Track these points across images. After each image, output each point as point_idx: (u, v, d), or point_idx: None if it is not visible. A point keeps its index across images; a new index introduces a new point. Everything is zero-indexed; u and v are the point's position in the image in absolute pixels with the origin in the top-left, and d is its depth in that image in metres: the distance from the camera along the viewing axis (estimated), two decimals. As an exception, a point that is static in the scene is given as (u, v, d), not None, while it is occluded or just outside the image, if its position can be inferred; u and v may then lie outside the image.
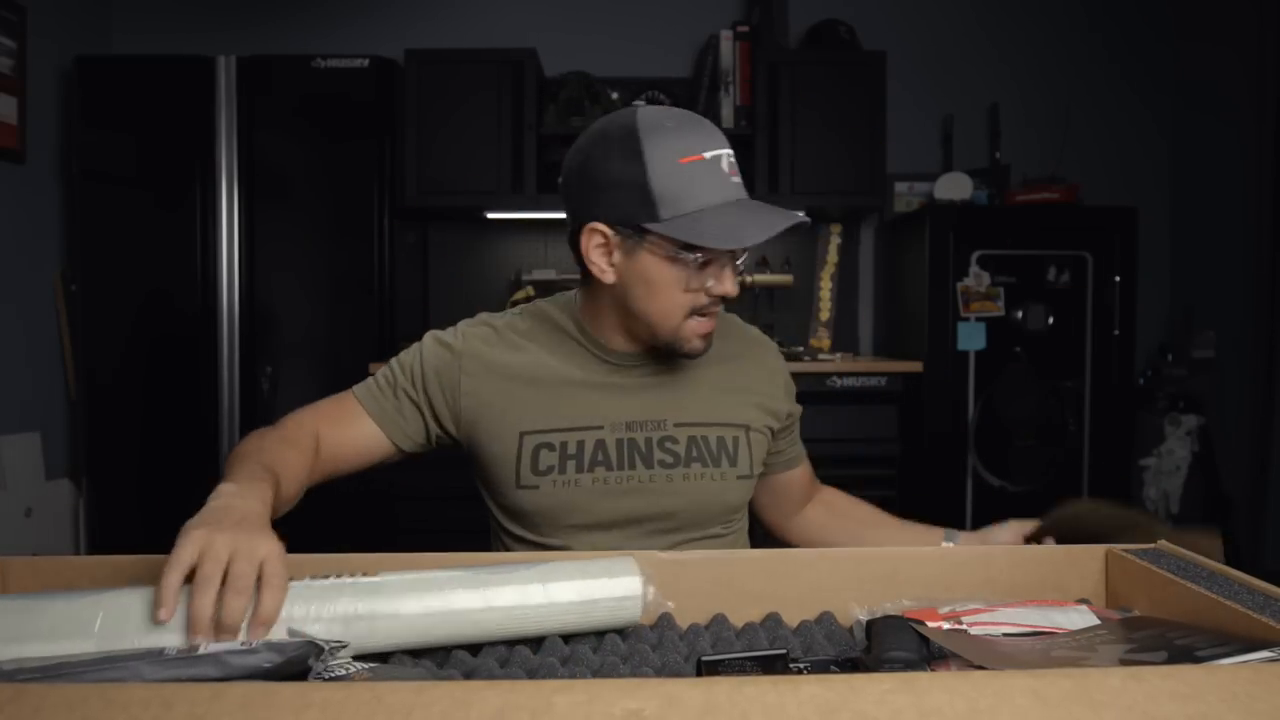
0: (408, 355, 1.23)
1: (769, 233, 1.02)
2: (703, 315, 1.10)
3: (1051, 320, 3.18)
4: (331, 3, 3.67)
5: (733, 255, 1.08)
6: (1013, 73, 3.70)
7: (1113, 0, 3.74)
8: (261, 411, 3.14)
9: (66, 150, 3.32)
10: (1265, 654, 0.68)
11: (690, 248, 1.04)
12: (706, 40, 3.54)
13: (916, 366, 3.21)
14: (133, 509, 3.16)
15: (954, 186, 3.35)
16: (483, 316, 1.26)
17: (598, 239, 1.10)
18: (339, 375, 3.17)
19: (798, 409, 1.32)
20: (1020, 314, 3.17)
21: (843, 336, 3.71)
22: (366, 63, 3.14)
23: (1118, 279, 3.18)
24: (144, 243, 3.15)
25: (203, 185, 3.12)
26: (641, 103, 0.93)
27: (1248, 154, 3.32)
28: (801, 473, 1.36)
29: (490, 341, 1.21)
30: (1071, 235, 3.21)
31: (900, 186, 3.63)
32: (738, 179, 1.06)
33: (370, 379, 1.24)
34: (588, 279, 1.17)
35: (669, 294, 1.09)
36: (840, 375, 3.18)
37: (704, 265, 1.07)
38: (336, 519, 3.10)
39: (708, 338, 1.13)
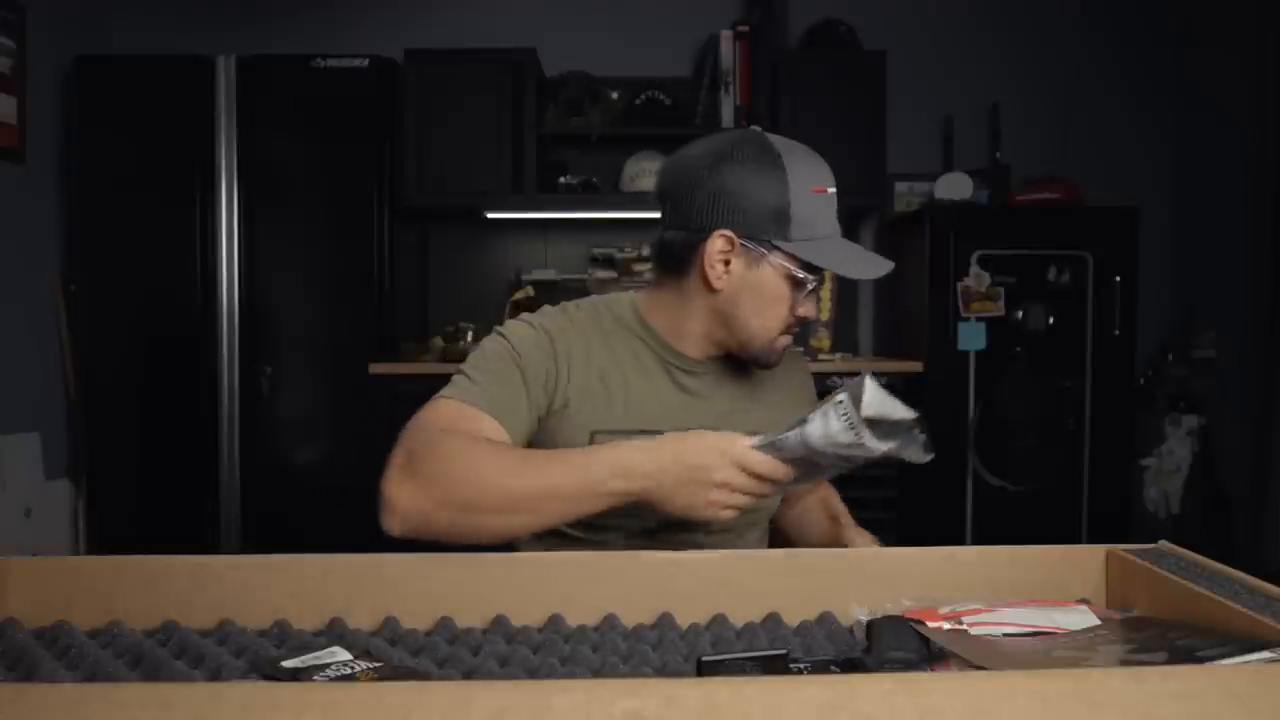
0: (496, 344, 1.16)
1: (879, 271, 1.15)
2: (788, 333, 1.19)
3: (1052, 320, 3.17)
4: (331, 3, 3.67)
5: (821, 283, 1.17)
6: (1012, 73, 3.70)
7: (1113, 0, 3.74)
8: (261, 411, 3.14)
9: (66, 150, 3.32)
10: (1266, 654, 0.68)
11: (811, 269, 1.13)
12: (706, 40, 3.54)
13: (917, 366, 3.21)
14: (132, 509, 3.16)
15: (954, 186, 3.35)
16: (553, 309, 1.24)
17: (722, 245, 1.13)
18: (339, 375, 3.19)
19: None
20: (1020, 314, 3.17)
21: (843, 336, 3.70)
22: (366, 63, 3.14)
23: (1118, 279, 3.18)
24: (144, 242, 3.15)
25: (203, 185, 3.12)
26: (756, 128, 1.00)
27: (1248, 154, 3.31)
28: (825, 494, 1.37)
29: (569, 334, 1.20)
30: (1072, 235, 3.21)
31: (900, 186, 3.63)
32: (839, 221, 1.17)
33: (460, 379, 1.13)
34: (670, 282, 1.20)
35: (776, 309, 1.16)
36: (840, 375, 3.18)
37: (800, 287, 1.15)
38: (337, 518, 3.10)
39: (784, 352, 1.22)
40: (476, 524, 1.01)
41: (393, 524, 1.02)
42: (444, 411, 1.09)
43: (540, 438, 1.17)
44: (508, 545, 1.23)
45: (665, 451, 0.97)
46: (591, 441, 1.15)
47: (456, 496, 1.00)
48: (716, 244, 1.13)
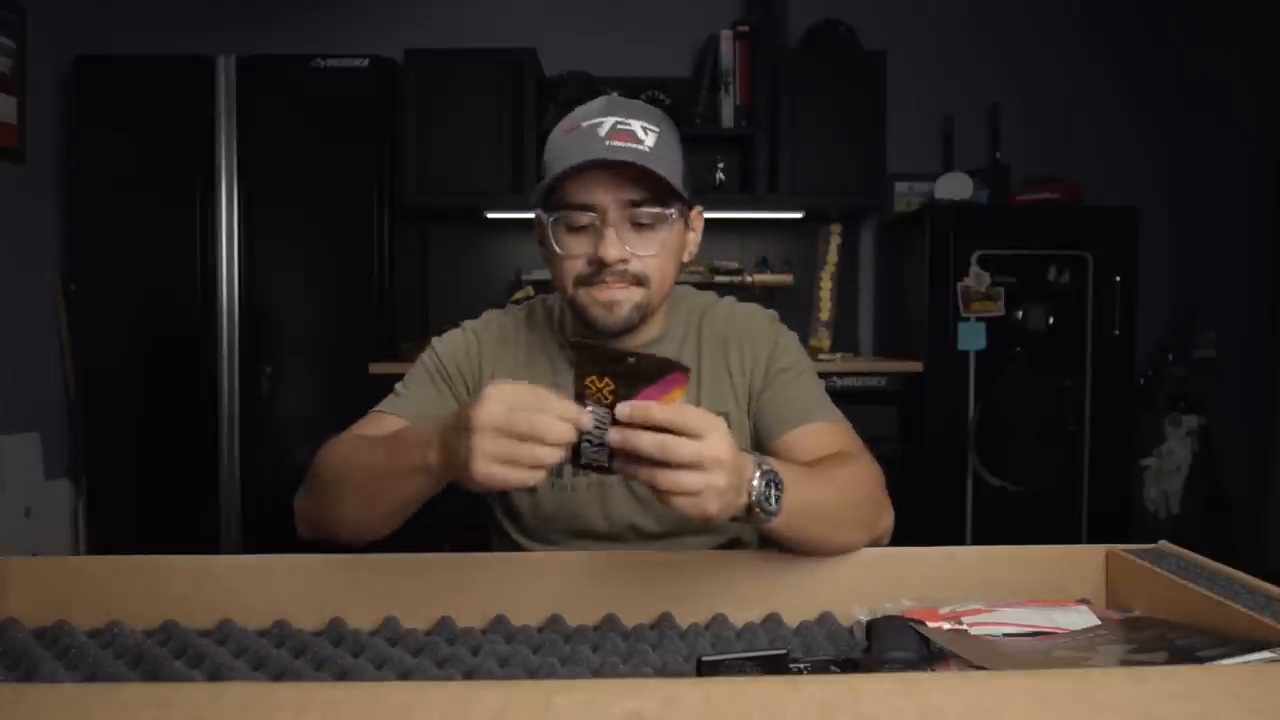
0: (425, 356, 1.20)
1: (585, 158, 1.00)
2: (590, 286, 1.06)
3: (1052, 320, 3.17)
4: (331, 2, 3.67)
5: (615, 218, 1.03)
6: (1012, 73, 3.70)
7: (1113, 0, 3.74)
8: (261, 411, 3.14)
9: (66, 150, 3.32)
10: (1266, 654, 0.68)
11: (553, 206, 1.05)
12: (706, 40, 3.54)
13: (917, 367, 3.21)
14: (132, 509, 3.16)
15: (954, 186, 3.35)
16: (490, 313, 1.25)
17: (535, 222, 1.11)
18: (339, 375, 3.18)
19: (790, 362, 1.17)
20: (1020, 314, 3.17)
21: (843, 336, 3.71)
22: (366, 63, 3.14)
23: (1118, 279, 3.18)
24: (144, 243, 3.15)
25: (203, 185, 3.12)
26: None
27: (1248, 154, 3.31)
28: (806, 434, 1.11)
29: (503, 335, 1.21)
30: (1072, 235, 3.21)
31: (900, 186, 3.63)
32: (622, 142, 1.02)
33: (391, 395, 1.17)
34: None
35: (554, 263, 1.08)
36: (840, 375, 3.18)
37: (576, 230, 1.05)
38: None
39: (612, 305, 1.06)
40: (336, 514, 0.99)
41: (299, 529, 1.06)
42: (365, 424, 1.12)
43: None
44: (503, 546, 1.23)
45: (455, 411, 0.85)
46: None
47: (318, 489, 1.02)
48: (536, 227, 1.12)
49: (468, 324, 1.23)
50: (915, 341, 3.30)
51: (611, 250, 1.03)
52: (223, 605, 0.90)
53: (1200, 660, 0.69)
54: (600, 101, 1.09)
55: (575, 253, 1.05)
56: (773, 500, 0.83)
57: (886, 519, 1.02)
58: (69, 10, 3.37)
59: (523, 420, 0.75)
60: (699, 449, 0.75)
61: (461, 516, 1.40)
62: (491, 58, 3.38)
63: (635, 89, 3.53)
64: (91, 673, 0.77)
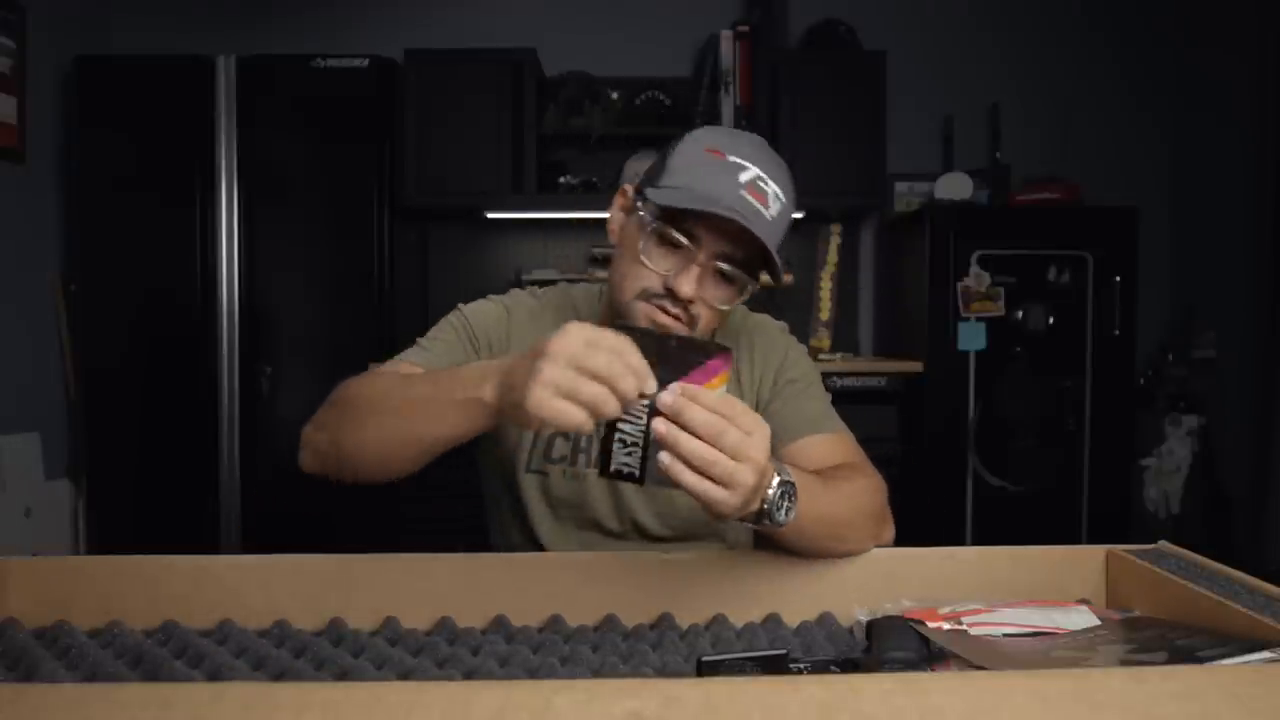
0: (453, 317, 1.18)
1: (727, 209, 0.97)
2: (650, 302, 1.04)
3: (1052, 320, 3.17)
4: (331, 3, 3.67)
5: (705, 259, 1.01)
6: (1012, 73, 3.70)
7: (1113, 0, 3.74)
8: (261, 411, 3.14)
9: (66, 150, 3.32)
10: (1266, 654, 0.68)
11: (661, 216, 1.02)
12: (706, 40, 3.54)
13: (917, 367, 3.21)
14: (132, 509, 3.16)
15: (954, 186, 3.35)
16: (517, 291, 1.25)
17: (621, 200, 1.12)
18: (339, 375, 3.14)
19: (799, 373, 1.19)
20: (1020, 314, 3.17)
21: (843, 336, 3.70)
22: (366, 63, 3.14)
23: (1118, 279, 3.18)
24: (144, 242, 3.15)
25: (203, 185, 3.12)
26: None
27: (1248, 154, 3.31)
28: (813, 445, 1.11)
29: (532, 314, 1.21)
30: (1072, 235, 3.21)
31: (900, 186, 3.63)
32: (752, 196, 1.00)
33: (414, 348, 1.13)
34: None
35: (626, 264, 1.06)
36: (840, 375, 3.18)
37: (664, 244, 1.03)
38: (340, 519, 3.11)
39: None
40: (357, 442, 0.93)
41: (302, 459, 1.02)
42: (385, 365, 1.09)
43: None
44: (503, 544, 1.23)
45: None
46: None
47: (342, 416, 0.97)
48: (618, 199, 1.12)
49: (496, 297, 1.22)
50: (915, 341, 3.30)
51: (686, 288, 1.01)
52: (223, 605, 0.90)
53: (1200, 660, 0.69)
54: (751, 141, 1.06)
55: (655, 267, 1.03)
56: (783, 511, 0.83)
57: (888, 533, 1.03)
58: (69, 10, 3.37)
59: (599, 358, 0.72)
60: (743, 440, 0.74)
61: (465, 516, 1.41)
62: (491, 58, 3.38)
63: (635, 89, 3.53)
64: (91, 673, 0.77)
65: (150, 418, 3.16)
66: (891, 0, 3.69)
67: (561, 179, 3.53)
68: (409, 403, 0.90)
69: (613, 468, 0.76)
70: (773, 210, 1.02)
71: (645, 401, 0.74)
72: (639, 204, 1.06)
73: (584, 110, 3.46)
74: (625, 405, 0.73)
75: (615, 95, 3.52)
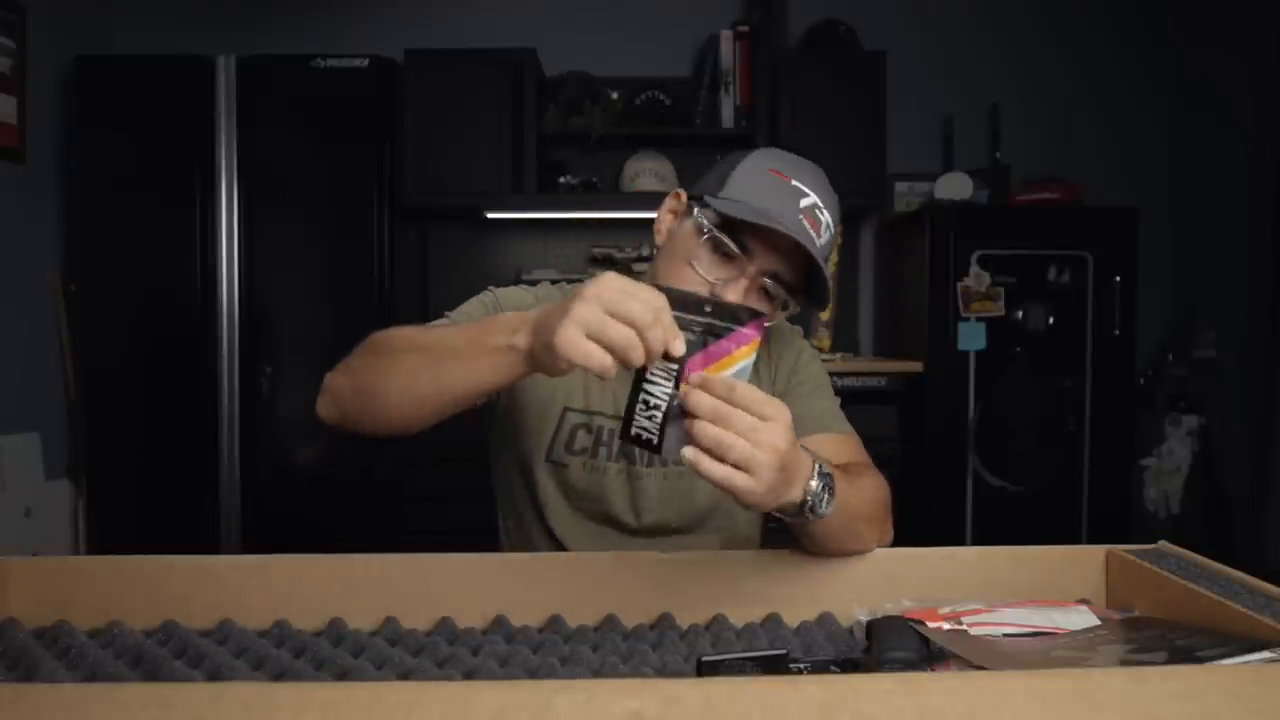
0: (484, 296, 1.18)
1: (785, 227, 0.99)
2: None
3: (1052, 320, 3.18)
4: (331, 3, 3.67)
5: (754, 273, 1.03)
6: (1013, 73, 3.70)
7: (1113, 0, 3.74)
8: (261, 411, 3.14)
9: (66, 150, 3.32)
10: (1266, 654, 0.68)
11: (720, 225, 1.03)
12: (706, 40, 3.54)
13: (917, 367, 3.21)
14: (132, 509, 3.16)
15: (954, 186, 3.35)
16: (547, 285, 1.25)
17: (672, 202, 1.15)
18: (339, 375, 3.19)
19: (810, 374, 1.22)
20: (1020, 314, 3.17)
21: (843, 336, 3.71)
22: (366, 63, 3.14)
23: (1118, 279, 3.18)
24: (144, 243, 3.15)
25: (202, 185, 3.12)
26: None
27: (1248, 153, 3.31)
28: (821, 443, 1.10)
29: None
30: (1072, 235, 3.21)
31: (900, 186, 3.63)
32: (808, 222, 1.03)
33: (441, 319, 1.12)
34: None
35: (677, 265, 1.07)
36: (840, 375, 3.18)
37: (723, 257, 1.04)
38: (340, 519, 3.11)
39: None
40: (383, 389, 0.91)
41: (320, 405, 1.00)
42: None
43: (513, 404, 1.18)
44: (511, 542, 1.23)
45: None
46: (561, 417, 1.17)
47: (368, 362, 0.95)
48: (669, 201, 1.15)
49: (526, 286, 1.23)
50: (915, 341, 3.30)
51: (732, 297, 1.03)
52: (223, 605, 0.90)
53: (1200, 660, 0.69)
54: (812, 170, 1.09)
55: (705, 274, 1.04)
56: (825, 503, 0.84)
57: (889, 534, 1.04)
58: (69, 10, 3.37)
59: (632, 305, 0.71)
60: (757, 425, 0.73)
61: (467, 517, 1.41)
62: (491, 58, 3.38)
63: (635, 89, 3.53)
64: (91, 673, 0.77)
65: (150, 418, 3.16)
66: (891, 0, 3.70)
67: (561, 179, 3.53)
68: (441, 349, 0.88)
69: (633, 431, 0.75)
70: (823, 239, 1.05)
71: (674, 366, 0.73)
72: (695, 210, 1.07)
73: (584, 110, 3.46)
74: (651, 358, 0.72)
75: (615, 95, 3.52)
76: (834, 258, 3.64)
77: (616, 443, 1.16)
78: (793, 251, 1.02)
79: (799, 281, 1.06)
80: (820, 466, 0.84)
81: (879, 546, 1.00)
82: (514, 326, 0.81)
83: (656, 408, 0.74)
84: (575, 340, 0.71)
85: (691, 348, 0.74)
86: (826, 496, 0.84)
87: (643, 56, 3.64)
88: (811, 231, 1.03)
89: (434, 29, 3.61)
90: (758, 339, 0.76)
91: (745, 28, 3.42)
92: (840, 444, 1.13)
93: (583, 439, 1.17)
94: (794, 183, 1.05)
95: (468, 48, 3.44)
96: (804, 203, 1.04)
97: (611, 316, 0.71)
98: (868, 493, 0.98)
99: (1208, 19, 3.61)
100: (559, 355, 0.72)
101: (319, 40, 3.49)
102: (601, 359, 0.71)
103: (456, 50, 3.41)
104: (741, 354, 0.75)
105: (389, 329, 0.97)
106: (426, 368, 0.88)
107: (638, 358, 0.72)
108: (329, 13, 3.66)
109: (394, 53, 3.33)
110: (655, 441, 0.75)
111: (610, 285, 0.73)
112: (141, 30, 3.62)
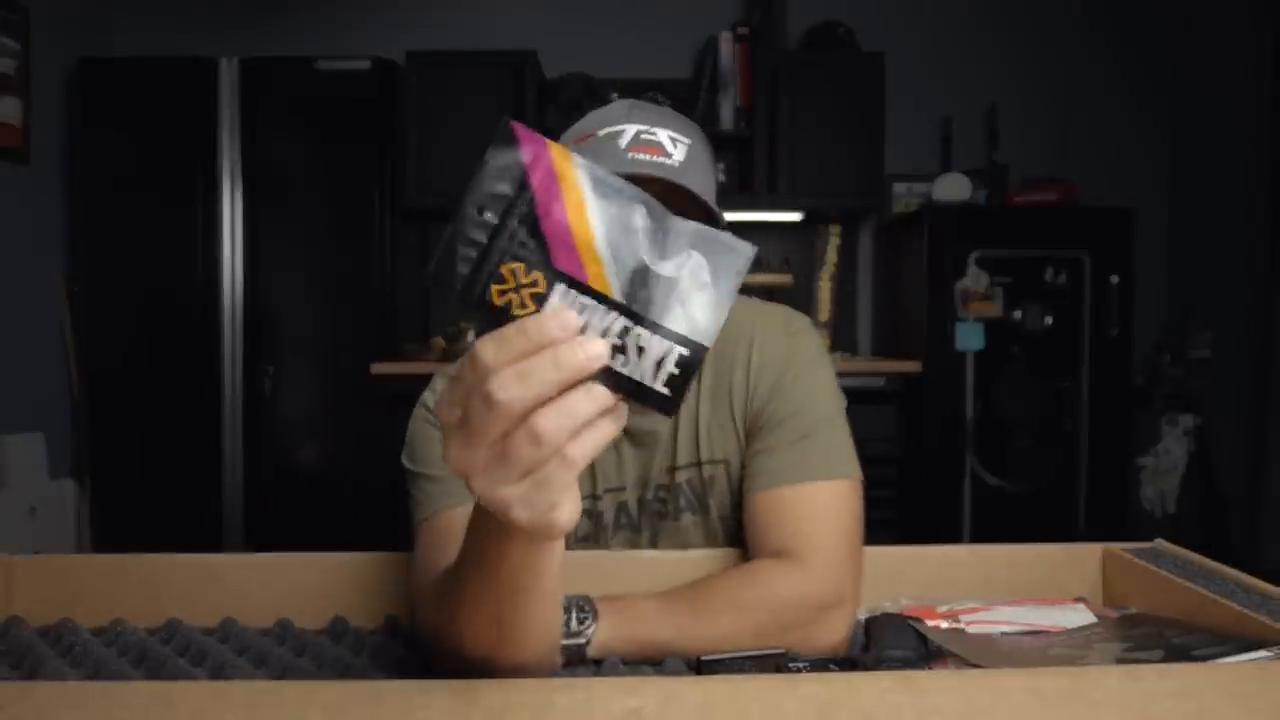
0: (419, 413, 0.99)
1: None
2: None
3: (1049, 320, 3.18)
4: (333, 4, 3.68)
5: None
6: (1011, 73, 3.71)
7: (1113, 0, 3.74)
8: (264, 411, 3.15)
9: (70, 151, 3.32)
10: (1262, 653, 0.68)
11: None
12: (706, 41, 3.55)
13: (915, 367, 3.22)
14: (135, 508, 3.17)
15: (952, 187, 3.35)
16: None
17: None
18: (340, 376, 3.19)
19: (784, 408, 0.98)
20: (1018, 314, 3.17)
21: (841, 337, 3.71)
22: (368, 64, 3.15)
23: (1115, 279, 3.18)
24: (146, 243, 3.15)
25: (205, 186, 3.13)
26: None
27: (1246, 154, 3.32)
28: (761, 503, 0.93)
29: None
30: (1069, 235, 3.21)
31: (899, 187, 3.63)
32: (646, 154, 0.90)
33: (412, 488, 0.95)
34: None
35: None
36: (839, 376, 3.18)
37: None
38: (342, 518, 3.11)
39: None
40: (482, 663, 0.66)
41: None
42: (419, 553, 0.87)
43: None
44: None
45: None
46: None
47: (435, 648, 0.75)
48: None
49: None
50: (914, 342, 3.30)
51: None
52: (225, 604, 0.91)
53: (1196, 658, 0.69)
54: (620, 106, 0.97)
55: None
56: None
57: (825, 636, 0.83)
58: (71, 12, 3.37)
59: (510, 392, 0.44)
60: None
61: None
62: (492, 59, 3.38)
63: (635, 90, 3.53)
64: (95, 671, 0.77)
65: (153, 417, 3.16)
66: (890, 1, 3.70)
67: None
68: (474, 596, 0.62)
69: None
70: (676, 155, 0.91)
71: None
72: None
73: (584, 111, 3.46)
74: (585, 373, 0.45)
75: (615, 96, 3.52)
76: (832, 258, 3.65)
77: (613, 518, 1.03)
78: (659, 193, 0.76)
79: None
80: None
81: (828, 641, 0.83)
82: (486, 520, 0.57)
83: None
84: (519, 497, 0.46)
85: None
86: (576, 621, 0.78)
87: (642, 58, 3.64)
88: (651, 157, 0.89)
89: (435, 31, 3.62)
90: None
91: (744, 29, 3.43)
92: (795, 504, 0.91)
93: (584, 526, 1.04)
94: (601, 132, 0.93)
95: (468, 50, 3.44)
96: (624, 139, 0.91)
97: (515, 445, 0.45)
98: (738, 612, 0.82)
99: (1208, 19, 3.61)
100: (554, 527, 0.48)
101: (320, 42, 3.50)
102: (569, 506, 0.48)
103: (457, 52, 3.41)
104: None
105: (419, 599, 0.82)
106: (488, 625, 0.63)
107: (595, 440, 0.46)
108: (330, 15, 3.66)
109: (395, 55, 3.33)
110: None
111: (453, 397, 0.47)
112: (144, 32, 3.63)
